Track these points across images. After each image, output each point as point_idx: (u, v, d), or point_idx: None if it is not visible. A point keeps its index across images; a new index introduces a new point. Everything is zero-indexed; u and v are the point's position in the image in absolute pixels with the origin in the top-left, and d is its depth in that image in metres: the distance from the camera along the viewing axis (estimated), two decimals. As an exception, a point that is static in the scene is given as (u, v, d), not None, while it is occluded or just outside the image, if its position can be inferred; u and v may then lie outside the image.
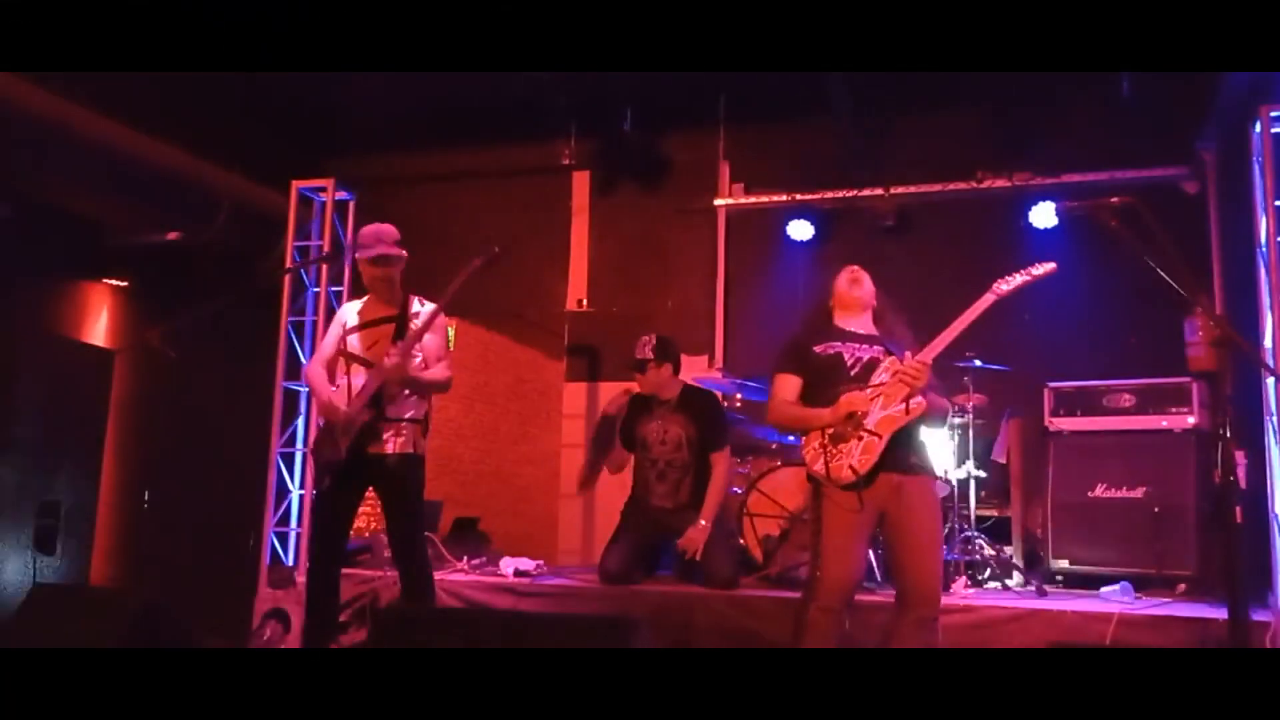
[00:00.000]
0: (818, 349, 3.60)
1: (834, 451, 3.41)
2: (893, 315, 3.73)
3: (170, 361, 4.15)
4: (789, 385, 3.62)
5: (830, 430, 3.43)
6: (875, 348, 3.57)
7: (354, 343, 4.13)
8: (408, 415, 4.06)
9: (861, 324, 3.69)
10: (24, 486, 6.09)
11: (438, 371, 4.13)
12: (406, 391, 4.02)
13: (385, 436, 4.02)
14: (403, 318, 4.12)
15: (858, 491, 3.36)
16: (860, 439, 3.38)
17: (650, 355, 5.06)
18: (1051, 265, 3.47)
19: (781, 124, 6.97)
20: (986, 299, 3.43)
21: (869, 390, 3.43)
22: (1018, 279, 3.45)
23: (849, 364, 3.53)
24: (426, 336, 4.08)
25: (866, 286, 3.71)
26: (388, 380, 3.93)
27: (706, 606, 4.60)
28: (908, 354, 3.44)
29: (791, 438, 5.73)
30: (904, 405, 3.38)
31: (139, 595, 3.83)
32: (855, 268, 3.75)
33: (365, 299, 4.26)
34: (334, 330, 4.23)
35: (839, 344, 3.60)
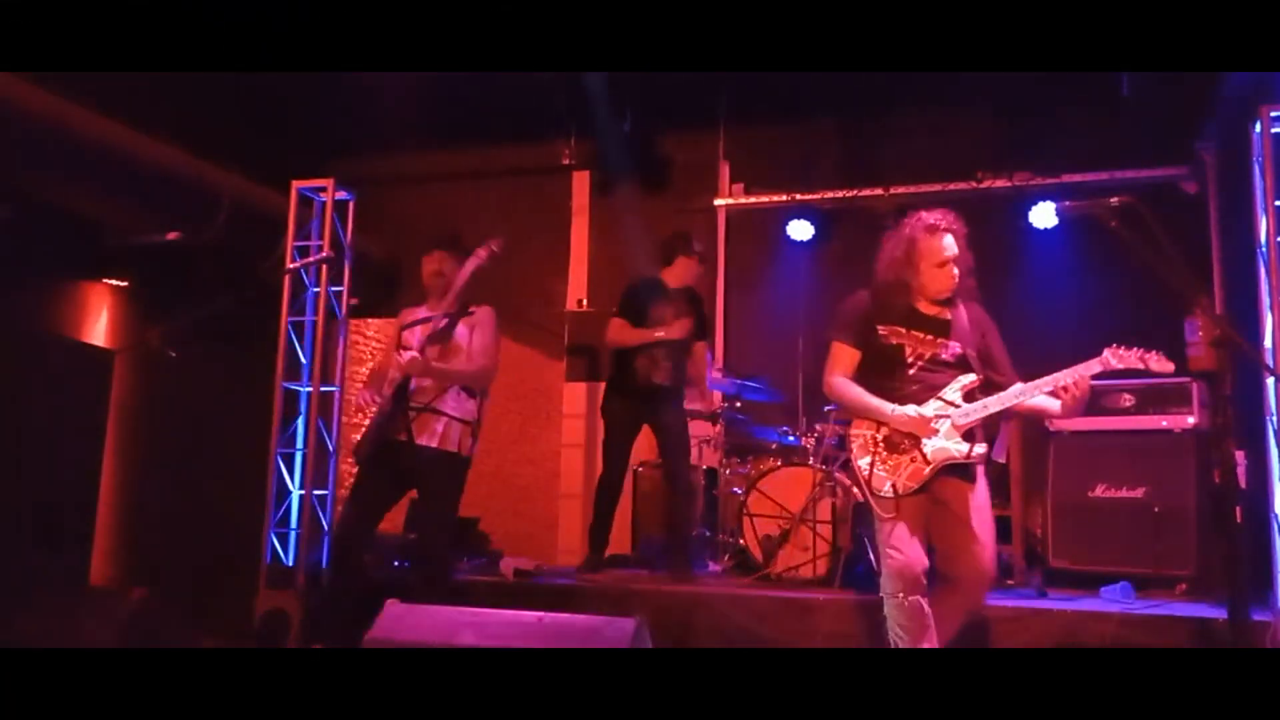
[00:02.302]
0: (881, 330, 3.44)
1: (883, 458, 3.35)
2: (969, 295, 3.51)
3: (170, 361, 4.15)
4: (846, 359, 3.47)
5: (886, 433, 3.37)
6: (941, 342, 3.42)
7: (408, 339, 4.35)
8: (449, 410, 4.23)
9: (936, 308, 3.49)
10: (24, 486, 6.08)
11: (459, 363, 4.30)
12: (428, 381, 4.23)
13: (428, 428, 4.18)
14: (454, 318, 4.36)
15: (894, 501, 3.33)
16: (912, 460, 3.34)
17: (698, 249, 5.48)
18: (1170, 366, 3.28)
19: (781, 124, 6.97)
20: (1093, 365, 3.31)
21: (934, 410, 3.35)
22: (1133, 358, 3.27)
23: (909, 360, 3.40)
24: (471, 332, 4.32)
25: (954, 278, 3.41)
26: (408, 371, 4.17)
27: (707, 606, 4.60)
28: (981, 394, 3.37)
29: (791, 438, 5.73)
30: (968, 446, 3.34)
31: (139, 595, 3.83)
32: (948, 241, 3.40)
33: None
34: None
35: (904, 332, 3.43)
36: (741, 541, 5.33)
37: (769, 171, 7.03)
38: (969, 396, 3.39)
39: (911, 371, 3.40)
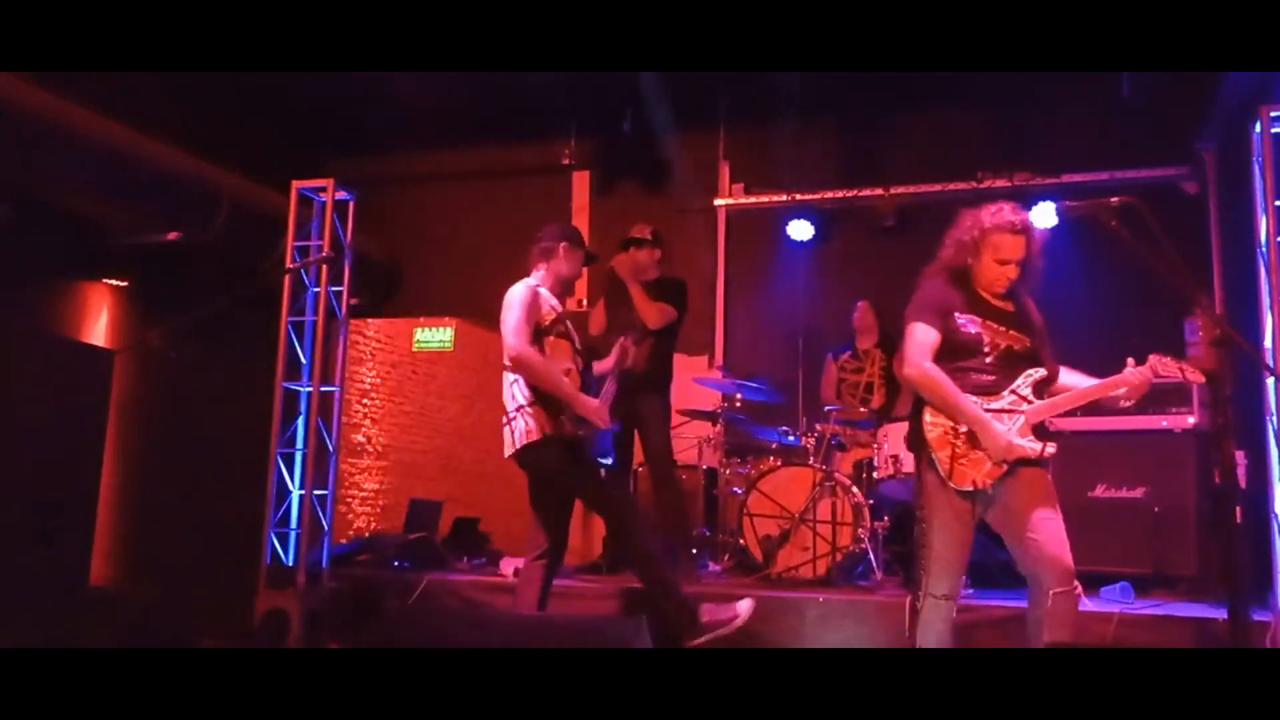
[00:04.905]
0: (959, 319, 3.34)
1: (963, 453, 3.24)
2: (1024, 287, 3.46)
3: (170, 361, 4.13)
4: (930, 340, 3.32)
5: (966, 431, 3.26)
6: (1014, 334, 3.36)
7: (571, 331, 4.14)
8: None
9: (1000, 300, 3.42)
10: (24, 486, 6.08)
11: None
12: None
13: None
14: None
15: (971, 500, 3.26)
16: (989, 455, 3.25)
17: (648, 236, 5.37)
18: (1201, 378, 3.30)
19: (781, 124, 6.97)
20: (1145, 373, 3.29)
21: (1008, 404, 3.28)
22: (1174, 369, 3.29)
23: (986, 351, 3.33)
24: None
25: (1008, 280, 3.37)
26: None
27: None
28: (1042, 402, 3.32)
29: (791, 438, 5.73)
30: (1040, 445, 3.28)
31: (139, 595, 3.83)
32: (1018, 242, 3.32)
33: (542, 289, 4.11)
34: (533, 312, 4.00)
35: (979, 322, 3.35)
36: (741, 541, 5.33)
37: (769, 171, 7.03)
38: (1038, 390, 3.34)
39: (988, 361, 3.33)
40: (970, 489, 3.24)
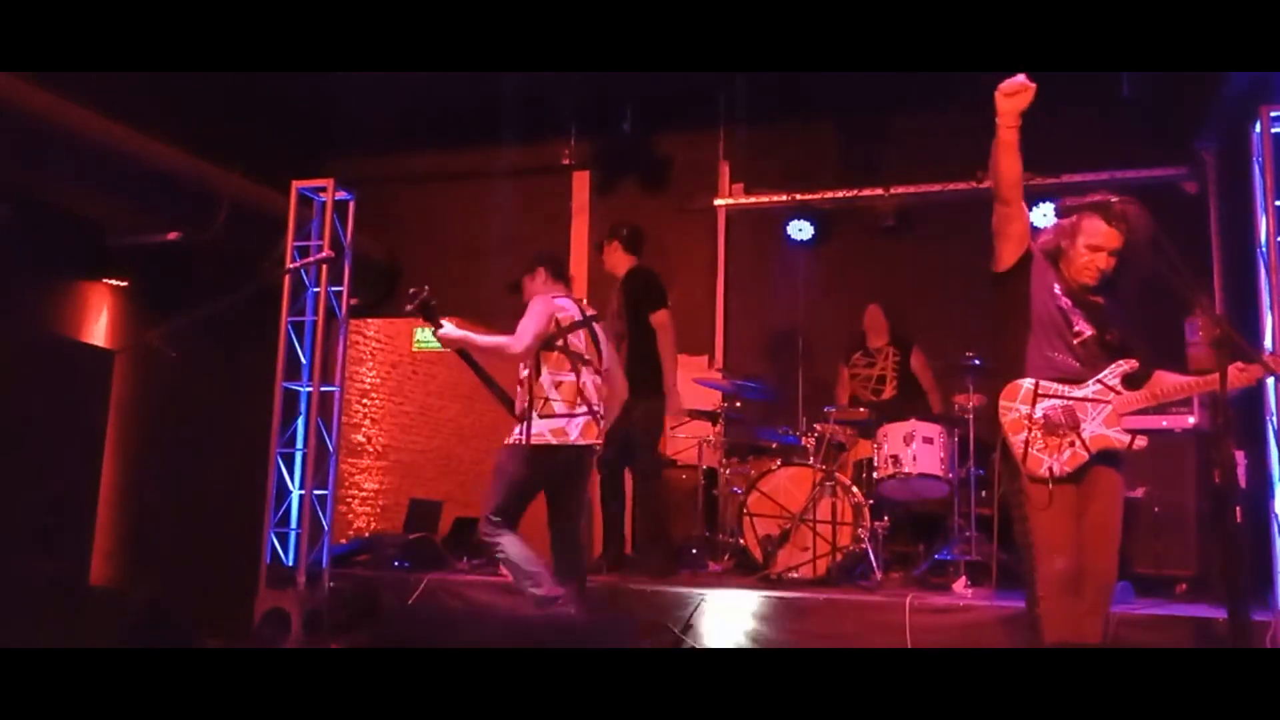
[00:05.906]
0: (1057, 289, 3.29)
1: (1038, 439, 3.16)
2: (1121, 283, 3.36)
3: (170, 361, 4.13)
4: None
5: (1043, 413, 3.16)
6: (1104, 323, 3.28)
7: None
8: None
9: (1092, 291, 3.32)
10: (24, 487, 6.08)
11: None
12: None
13: None
14: None
15: (1048, 487, 3.15)
16: (1070, 444, 3.16)
17: (603, 237, 5.53)
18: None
19: (781, 124, 6.97)
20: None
21: (1092, 394, 3.20)
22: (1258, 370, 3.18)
23: (1075, 333, 3.25)
24: None
25: (1097, 269, 3.27)
26: None
27: (707, 606, 4.60)
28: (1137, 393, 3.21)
29: (791, 438, 5.73)
30: (1129, 437, 3.18)
31: (139, 595, 3.82)
32: (1117, 210, 3.22)
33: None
34: None
35: (1068, 302, 3.28)
36: (741, 541, 5.33)
37: (769, 171, 7.03)
38: (1128, 383, 3.26)
39: (1075, 343, 3.25)
40: (1045, 476, 3.15)
